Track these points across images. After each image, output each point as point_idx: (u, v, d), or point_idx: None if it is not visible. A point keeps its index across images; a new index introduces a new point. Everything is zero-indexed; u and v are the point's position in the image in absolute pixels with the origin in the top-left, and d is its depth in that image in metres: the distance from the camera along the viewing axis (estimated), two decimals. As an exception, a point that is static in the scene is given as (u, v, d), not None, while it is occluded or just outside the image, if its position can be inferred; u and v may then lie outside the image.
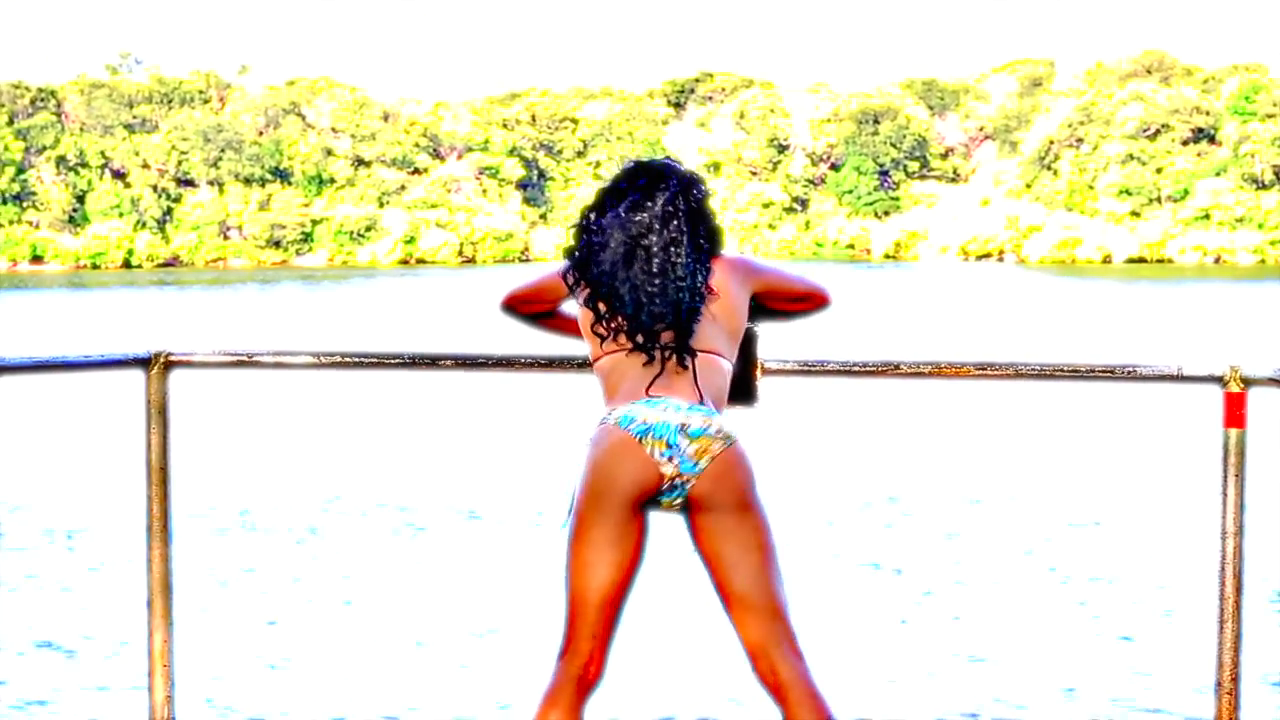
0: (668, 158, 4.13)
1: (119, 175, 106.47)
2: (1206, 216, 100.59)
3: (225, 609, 9.74)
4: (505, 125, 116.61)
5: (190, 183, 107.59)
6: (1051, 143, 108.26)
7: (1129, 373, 4.30)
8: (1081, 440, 17.59)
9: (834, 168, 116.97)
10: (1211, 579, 4.29)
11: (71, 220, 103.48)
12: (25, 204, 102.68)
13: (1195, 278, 74.55)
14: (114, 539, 11.93)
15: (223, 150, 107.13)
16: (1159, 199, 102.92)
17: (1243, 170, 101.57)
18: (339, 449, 17.50)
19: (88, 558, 11.42)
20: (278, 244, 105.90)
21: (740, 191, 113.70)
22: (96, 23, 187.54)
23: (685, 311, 3.83)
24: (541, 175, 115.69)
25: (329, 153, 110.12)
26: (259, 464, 16.45)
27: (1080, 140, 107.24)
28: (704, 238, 3.95)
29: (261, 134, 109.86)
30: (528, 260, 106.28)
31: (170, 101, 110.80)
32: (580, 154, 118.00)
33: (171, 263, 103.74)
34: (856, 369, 4.42)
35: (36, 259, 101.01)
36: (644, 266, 3.86)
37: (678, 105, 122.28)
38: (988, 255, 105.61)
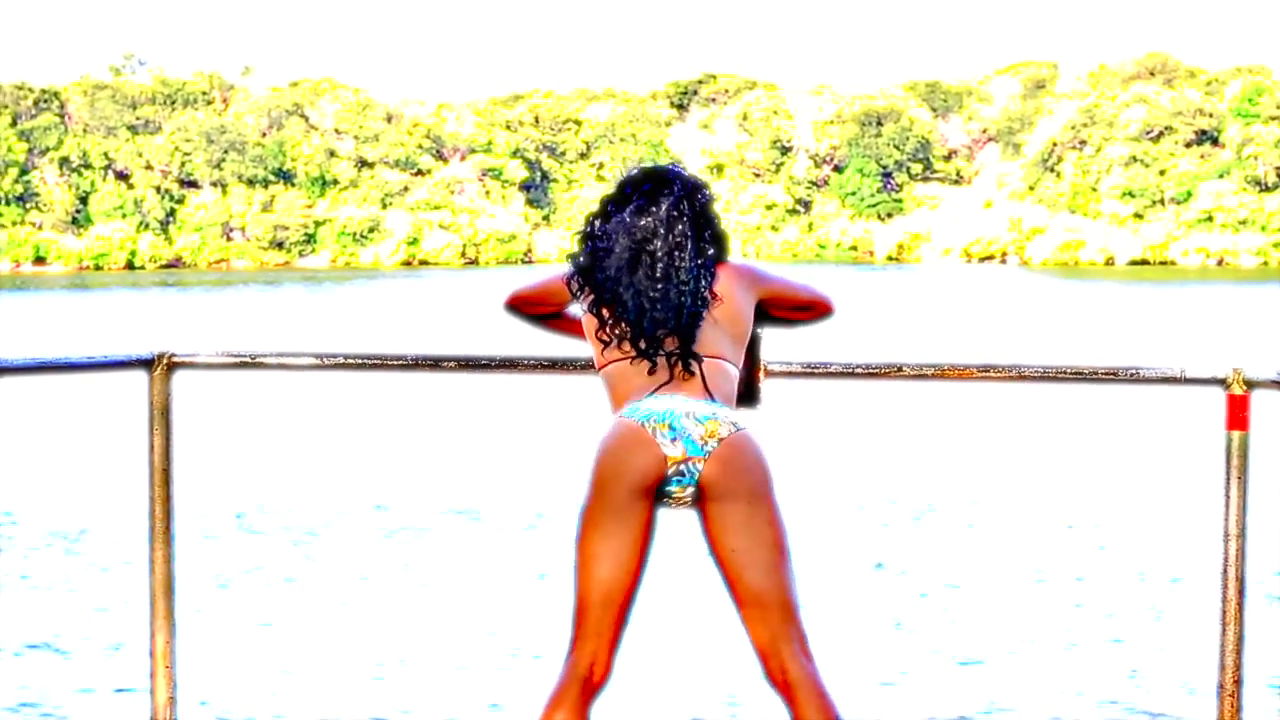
0: (673, 163, 4.14)
1: (122, 176, 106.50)
2: (1209, 219, 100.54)
3: (227, 610, 9.74)
4: (508, 127, 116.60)
5: (193, 184, 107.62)
6: (1054, 145, 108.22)
7: (1132, 375, 4.30)
8: (1084, 442, 17.59)
9: (837, 169, 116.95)
10: (1214, 581, 4.29)
11: (74, 221, 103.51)
12: (28, 205, 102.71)
13: (1198, 280, 74.52)
14: (116, 540, 11.93)
15: (226, 151, 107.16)
16: (1162, 201, 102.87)
17: (1246, 172, 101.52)
18: (342, 450, 17.50)
19: (90, 559, 11.42)
20: (281, 245, 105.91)
21: (743, 193, 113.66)
22: (100, 24, 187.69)
23: (687, 316, 3.83)
24: (545, 177, 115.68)
25: (332, 154, 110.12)
26: (262, 465, 16.45)
27: (1083, 142, 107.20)
28: (709, 243, 3.95)
29: (264, 135, 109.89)
30: (530, 262, 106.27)
31: (173, 103, 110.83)
32: (583, 155, 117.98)
33: (174, 264, 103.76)
34: (859, 371, 4.42)
35: (39, 260, 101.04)
36: (648, 272, 3.86)
37: (681, 107, 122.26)
38: (991, 257, 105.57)
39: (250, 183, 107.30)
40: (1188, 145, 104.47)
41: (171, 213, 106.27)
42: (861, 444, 17.53)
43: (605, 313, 3.89)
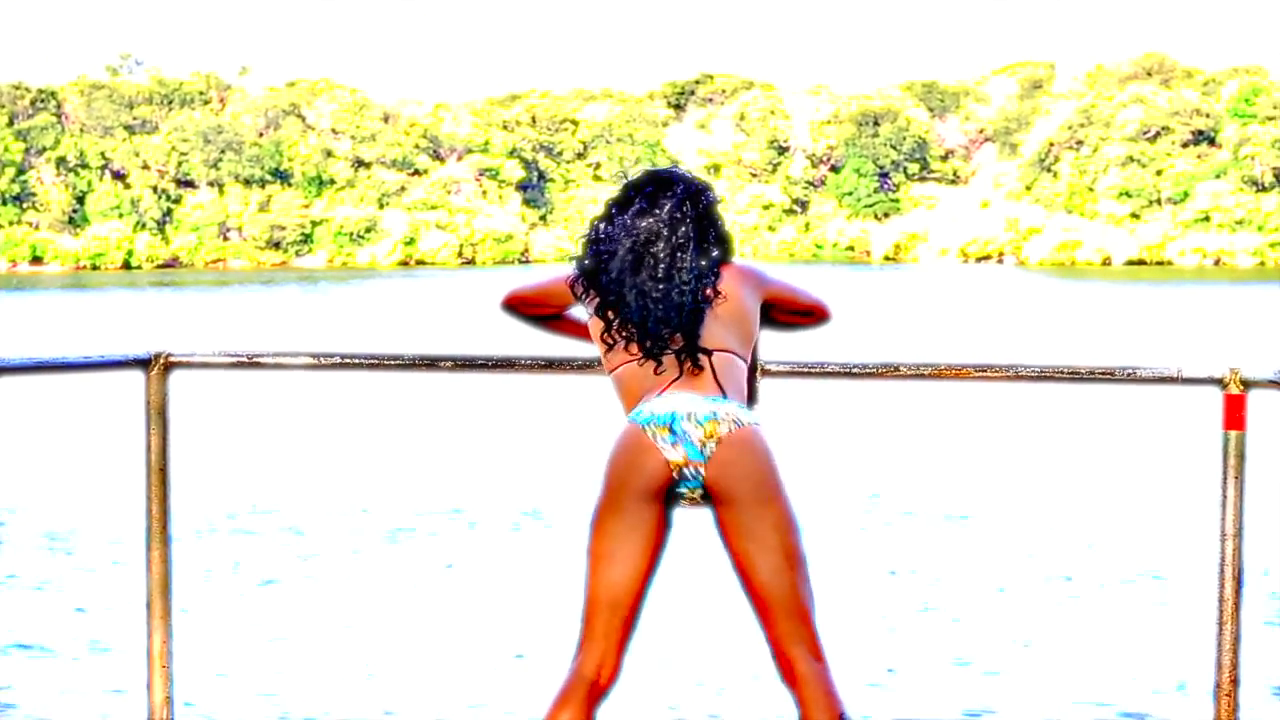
0: (675, 166, 4.16)
1: (119, 176, 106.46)
2: (1206, 219, 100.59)
3: (224, 610, 9.74)
4: (505, 127, 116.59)
5: (190, 184, 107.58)
6: (1051, 145, 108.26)
7: (1129, 375, 4.30)
8: (1081, 442, 17.59)
9: (834, 169, 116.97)
10: (1211, 581, 4.29)
11: (71, 221, 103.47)
12: (25, 205, 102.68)
13: (1195, 280, 74.56)
14: (113, 540, 11.93)
15: (223, 151, 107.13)
16: (1159, 201, 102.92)
17: (1243, 172, 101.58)
18: (339, 450, 17.50)
19: (87, 559, 11.42)
20: (277, 245, 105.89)
21: (740, 193, 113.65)
22: (97, 24, 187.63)
23: (689, 314, 3.84)
24: (541, 177, 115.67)
25: (329, 154, 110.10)
26: (259, 465, 16.45)
27: (1080, 142, 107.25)
28: (712, 244, 3.97)
29: (261, 135, 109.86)
30: (528, 262, 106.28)
31: (170, 102, 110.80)
32: (580, 156, 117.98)
33: (171, 264, 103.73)
34: (856, 371, 4.43)
35: (36, 260, 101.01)
36: (651, 273, 3.88)
37: (678, 107, 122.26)
38: (987, 257, 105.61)
39: (247, 183, 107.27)
40: (1185, 145, 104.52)
41: (168, 212, 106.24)
42: (859, 444, 17.54)
43: (610, 315, 3.89)
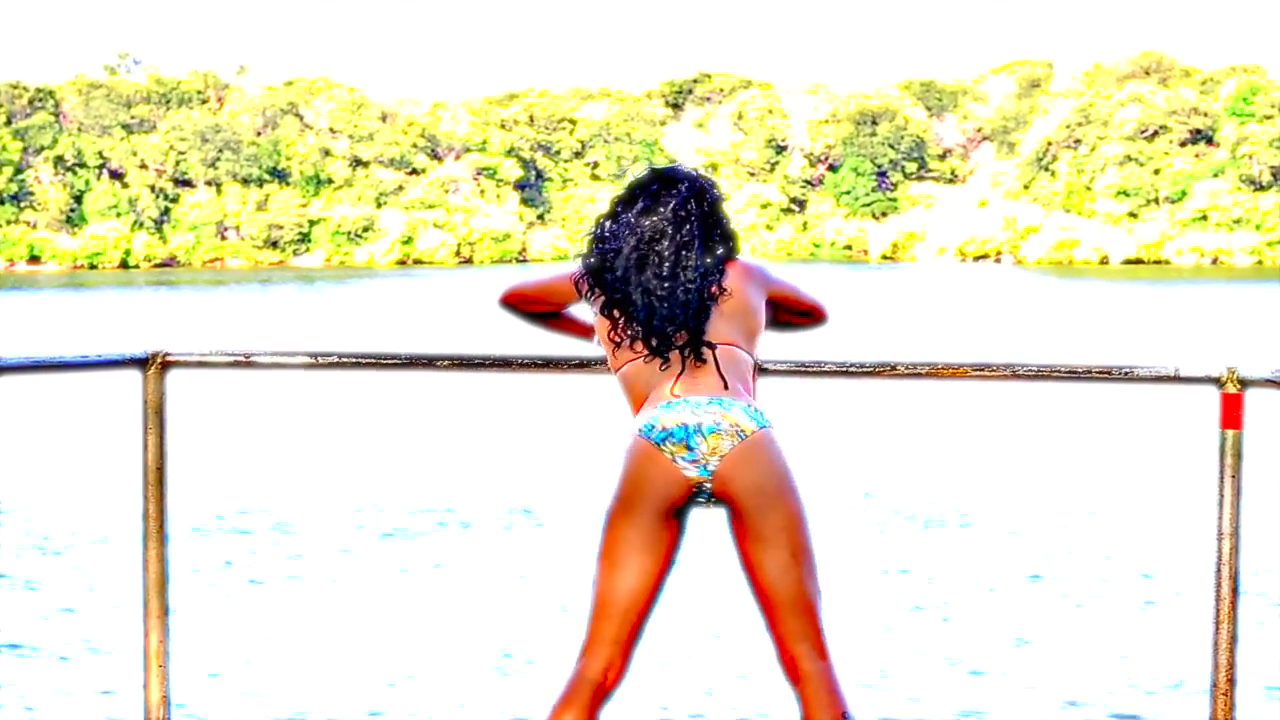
0: (677, 164, 4.16)
1: (116, 175, 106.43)
2: (1204, 218, 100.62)
3: (221, 609, 9.74)
4: (503, 126, 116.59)
5: (188, 183, 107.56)
6: (1049, 144, 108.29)
7: (1126, 374, 4.30)
8: (1078, 441, 17.60)
9: (832, 168, 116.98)
10: (1207, 580, 4.29)
11: (69, 220, 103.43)
12: (23, 204, 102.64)
13: (1192, 279, 74.58)
14: (110, 539, 11.92)
15: (220, 150, 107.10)
16: (1156, 200, 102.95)
17: (1240, 171, 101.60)
18: (336, 450, 17.49)
19: (84, 558, 11.41)
20: (275, 244, 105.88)
21: (738, 192, 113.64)
22: (94, 23, 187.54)
23: (694, 311, 3.84)
24: (539, 176, 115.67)
25: (326, 153, 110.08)
26: (256, 464, 16.45)
27: (1078, 141, 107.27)
28: (718, 241, 3.97)
29: (259, 134, 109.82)
30: (525, 261, 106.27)
31: (168, 102, 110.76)
32: (578, 154, 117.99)
33: (169, 263, 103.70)
34: (854, 369, 4.43)
35: (34, 259, 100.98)
36: (656, 271, 3.87)
37: (676, 106, 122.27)
38: (985, 256, 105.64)
39: (245, 182, 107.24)
40: (1182, 144, 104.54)
41: (166, 212, 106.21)
42: (856, 443, 17.54)
43: (616, 313, 3.89)
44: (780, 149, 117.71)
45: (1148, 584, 10.40)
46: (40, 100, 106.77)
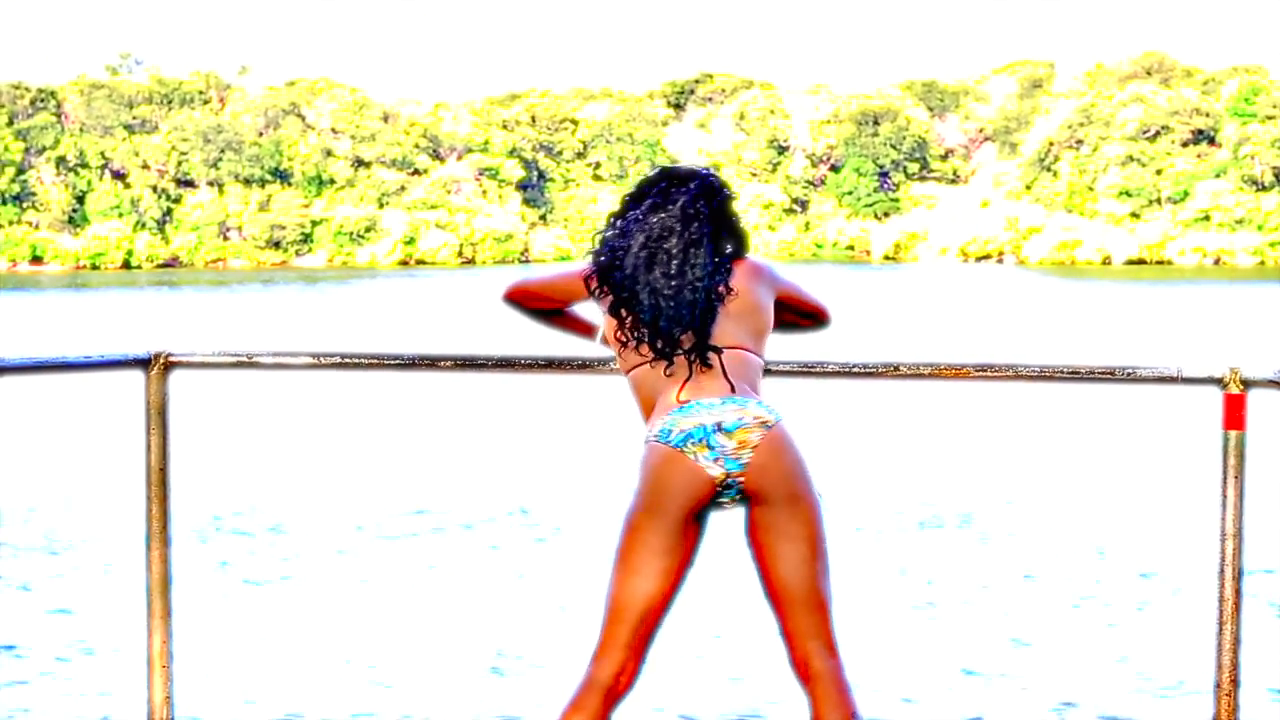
0: (678, 164, 4.15)
1: (119, 176, 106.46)
2: (1206, 218, 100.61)
3: (224, 610, 9.74)
4: (505, 126, 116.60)
5: (190, 183, 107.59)
6: (1051, 144, 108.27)
7: (1129, 374, 4.29)
8: (1081, 442, 17.59)
9: (834, 169, 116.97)
10: (1211, 581, 4.29)
11: (71, 221, 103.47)
12: (25, 204, 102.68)
13: (1195, 279, 74.55)
14: (113, 540, 11.93)
15: (222, 151, 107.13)
16: (1159, 200, 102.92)
17: (1242, 172, 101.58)
18: (339, 450, 17.49)
19: (86, 558, 11.41)
20: (277, 245, 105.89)
21: (740, 193, 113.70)
22: (96, 23, 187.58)
23: (700, 311, 3.83)
24: (541, 176, 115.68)
25: (329, 153, 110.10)
26: (258, 465, 16.45)
27: (1080, 142, 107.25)
28: (726, 239, 3.96)
29: (261, 135, 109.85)
30: (527, 261, 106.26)
31: (170, 102, 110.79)
32: (580, 155, 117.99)
33: (171, 263, 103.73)
34: (856, 370, 4.42)
35: (36, 259, 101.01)
36: (664, 270, 3.87)
37: (678, 106, 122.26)
38: (987, 256, 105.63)
39: (247, 182, 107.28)
40: (1184, 145, 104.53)
41: (168, 212, 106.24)
42: (858, 444, 17.53)
43: (624, 312, 3.89)
44: (782, 149, 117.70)
45: (1151, 584, 10.40)
46: (42, 101, 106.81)
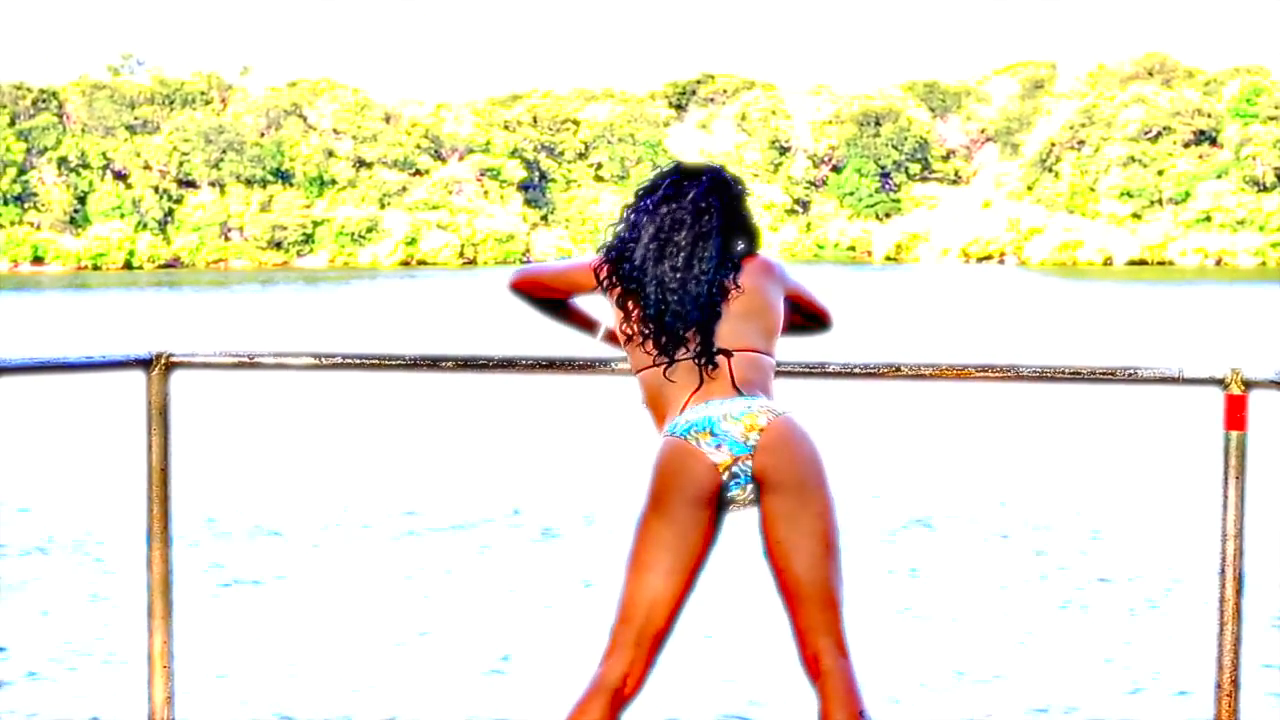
0: (676, 161, 4.15)
1: (120, 176, 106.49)
2: (1208, 219, 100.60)
3: (225, 610, 9.74)
4: (507, 127, 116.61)
5: (191, 184, 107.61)
6: (1053, 145, 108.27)
7: (1130, 375, 4.29)
8: (1082, 442, 17.59)
9: (835, 169, 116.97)
10: (1212, 581, 4.29)
11: (73, 221, 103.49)
12: (26, 205, 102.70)
13: (1196, 280, 74.54)
14: (114, 540, 11.93)
15: (224, 151, 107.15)
16: (1160, 201, 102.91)
17: (1244, 173, 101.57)
18: (340, 450, 17.50)
19: (88, 558, 11.42)
20: (279, 245, 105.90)
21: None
22: (98, 24, 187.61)
23: (704, 304, 3.82)
24: (543, 177, 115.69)
25: (330, 154, 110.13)
26: (260, 465, 16.45)
27: (1081, 142, 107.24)
28: (738, 235, 3.95)
29: (263, 135, 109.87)
30: (529, 262, 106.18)
31: (172, 103, 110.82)
32: (582, 155, 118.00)
33: (172, 264, 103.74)
34: (858, 370, 4.42)
35: (38, 260, 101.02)
36: (673, 264, 3.86)
37: (679, 107, 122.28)
38: (989, 257, 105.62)
39: (248, 183, 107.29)
40: (1186, 145, 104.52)
41: (169, 213, 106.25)
42: (860, 444, 17.52)
43: (631, 305, 3.88)
44: (784, 150, 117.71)
45: (1151, 585, 10.39)
46: (44, 101, 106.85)
